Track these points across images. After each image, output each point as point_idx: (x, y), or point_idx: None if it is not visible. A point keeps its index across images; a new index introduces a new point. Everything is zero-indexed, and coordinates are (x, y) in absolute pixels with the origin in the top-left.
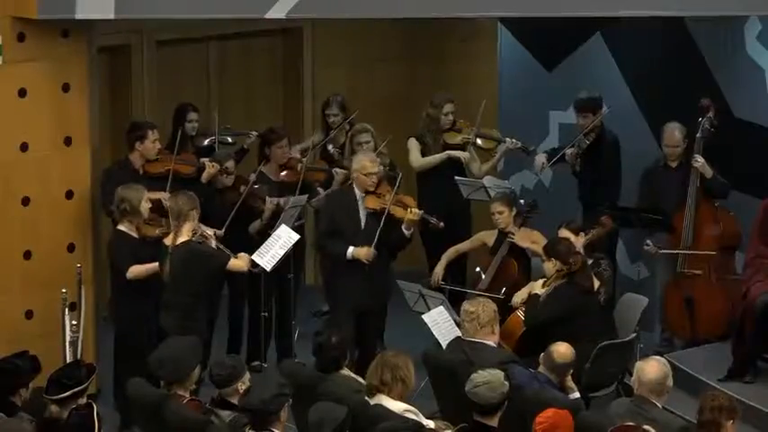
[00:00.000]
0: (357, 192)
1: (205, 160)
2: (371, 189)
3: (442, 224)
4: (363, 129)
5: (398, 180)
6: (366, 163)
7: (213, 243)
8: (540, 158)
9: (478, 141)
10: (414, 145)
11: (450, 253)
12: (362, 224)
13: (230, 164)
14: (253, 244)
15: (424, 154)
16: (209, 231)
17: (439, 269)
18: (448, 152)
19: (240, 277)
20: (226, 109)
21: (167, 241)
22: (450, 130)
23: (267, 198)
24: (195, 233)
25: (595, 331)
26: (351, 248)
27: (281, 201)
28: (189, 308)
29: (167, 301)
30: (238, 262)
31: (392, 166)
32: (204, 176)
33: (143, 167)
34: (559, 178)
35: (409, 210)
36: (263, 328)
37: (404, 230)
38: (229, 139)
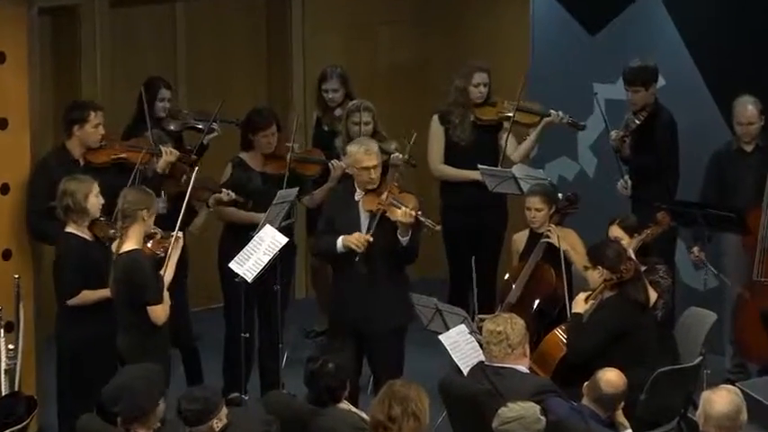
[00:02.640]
0: (356, 188)
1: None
2: (371, 187)
3: (438, 227)
4: (363, 107)
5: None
6: (359, 155)
7: (171, 258)
8: (622, 184)
9: (517, 116)
10: (435, 135)
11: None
12: (363, 231)
13: (168, 147)
14: (229, 247)
15: (448, 134)
16: (173, 240)
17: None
18: (477, 175)
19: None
20: (196, 85)
21: (114, 247)
22: (484, 104)
23: (224, 190)
24: (153, 238)
25: (652, 354)
26: (340, 238)
27: (244, 197)
28: (143, 328)
29: (120, 319)
30: (158, 311)
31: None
32: (160, 165)
33: (84, 157)
34: (606, 167)
35: (402, 210)
36: (244, 352)
37: (399, 237)
38: (200, 125)
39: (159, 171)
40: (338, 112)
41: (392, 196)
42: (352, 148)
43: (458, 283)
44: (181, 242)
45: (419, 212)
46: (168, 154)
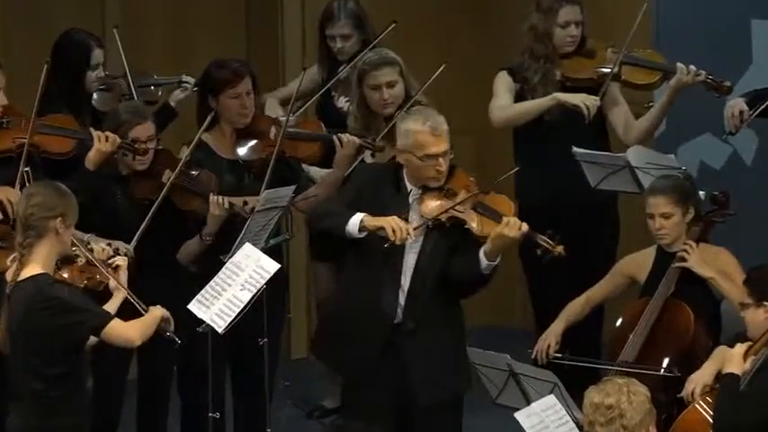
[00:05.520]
0: (408, 185)
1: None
2: (436, 183)
3: (560, 249)
4: (384, 60)
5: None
6: (422, 135)
7: (114, 298)
8: (737, 105)
9: (626, 73)
10: (503, 83)
11: (575, 309)
12: (416, 249)
13: (144, 127)
14: (188, 279)
15: (524, 99)
16: (100, 248)
17: (552, 333)
18: (556, 95)
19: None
20: (138, 37)
21: (8, 275)
22: (576, 54)
23: (213, 197)
24: (71, 263)
25: None
26: (359, 215)
27: (243, 202)
28: (45, 399)
29: (17, 385)
30: (120, 328)
31: None
32: (90, 157)
33: None
34: None
35: (505, 222)
36: None
37: (482, 257)
38: (134, 94)
39: (90, 167)
40: (344, 72)
41: (476, 199)
42: (408, 125)
43: (545, 324)
44: (124, 274)
45: (526, 226)
46: (101, 140)
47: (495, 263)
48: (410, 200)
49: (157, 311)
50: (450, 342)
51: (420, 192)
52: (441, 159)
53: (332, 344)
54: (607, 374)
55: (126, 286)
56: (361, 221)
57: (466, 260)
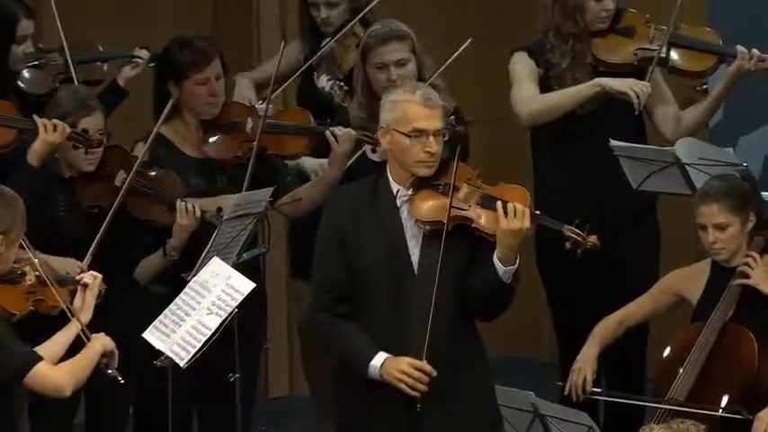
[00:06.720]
0: (394, 185)
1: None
2: (426, 171)
3: (593, 239)
4: (392, 33)
5: (457, 150)
6: (411, 107)
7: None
8: None
9: (674, 56)
10: (524, 67)
11: (609, 328)
12: (416, 259)
13: (92, 119)
14: (147, 301)
15: (548, 87)
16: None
17: (587, 362)
18: (600, 81)
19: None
20: (81, 2)
21: None
22: (611, 32)
23: (181, 203)
24: (17, 284)
25: None
26: (380, 358)
27: (218, 209)
28: None
29: None
30: (51, 374)
31: (457, 120)
32: (35, 150)
33: None
34: None
35: (501, 208)
36: None
37: (497, 264)
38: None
39: (35, 162)
40: (327, 47)
41: (480, 192)
42: (395, 96)
43: (572, 358)
44: (91, 297)
45: (538, 212)
46: (47, 129)
47: (514, 266)
48: (398, 203)
49: (97, 345)
50: (475, 369)
51: (410, 192)
52: (432, 138)
53: (351, 414)
54: (656, 415)
55: (88, 312)
56: (380, 372)
57: (482, 270)
